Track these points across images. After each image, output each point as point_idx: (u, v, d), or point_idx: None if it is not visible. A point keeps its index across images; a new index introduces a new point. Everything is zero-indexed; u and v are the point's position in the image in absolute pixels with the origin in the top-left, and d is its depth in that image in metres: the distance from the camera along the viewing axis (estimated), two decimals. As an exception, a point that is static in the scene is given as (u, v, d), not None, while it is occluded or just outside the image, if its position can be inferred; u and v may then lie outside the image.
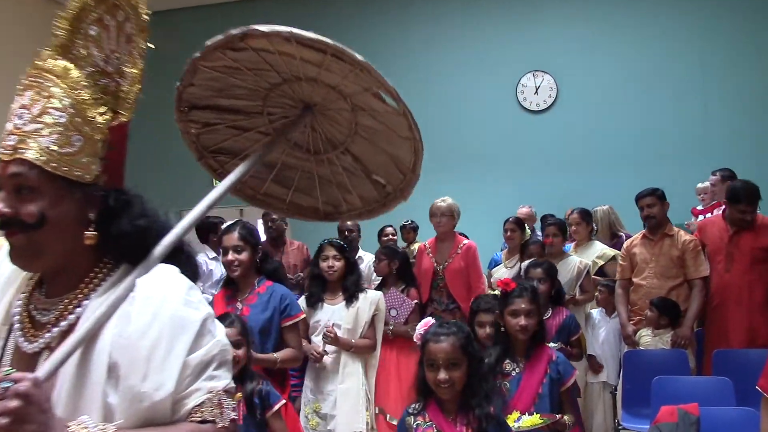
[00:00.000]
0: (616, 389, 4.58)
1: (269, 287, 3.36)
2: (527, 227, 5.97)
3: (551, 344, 3.40)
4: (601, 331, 4.89)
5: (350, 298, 4.03)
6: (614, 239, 5.78)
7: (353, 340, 3.95)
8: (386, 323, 4.32)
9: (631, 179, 6.58)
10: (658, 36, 7.60)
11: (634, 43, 7.67)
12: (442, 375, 2.46)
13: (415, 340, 2.79)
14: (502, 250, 6.13)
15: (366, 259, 5.78)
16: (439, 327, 2.65)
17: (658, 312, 4.45)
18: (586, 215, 5.52)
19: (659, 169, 7.04)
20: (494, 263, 5.94)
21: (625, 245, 4.97)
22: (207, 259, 5.86)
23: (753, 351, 4.11)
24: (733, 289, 4.48)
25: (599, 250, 5.42)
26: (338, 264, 4.05)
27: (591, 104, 7.73)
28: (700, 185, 6.25)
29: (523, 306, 3.12)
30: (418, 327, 2.84)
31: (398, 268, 4.74)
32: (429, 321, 2.80)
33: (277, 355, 3.27)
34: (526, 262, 4.81)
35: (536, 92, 7.90)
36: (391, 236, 6.39)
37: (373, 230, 6.39)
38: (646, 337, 4.52)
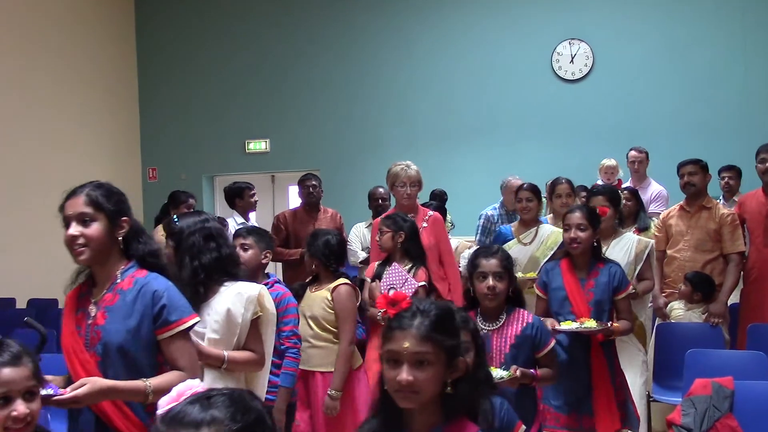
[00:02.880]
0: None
1: (138, 280, 2.18)
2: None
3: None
4: None
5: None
6: None
7: (225, 353, 2.60)
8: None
9: (669, 150, 6.47)
10: (697, 2, 7.38)
11: (672, 10, 7.46)
12: (404, 375, 1.62)
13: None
14: (497, 221, 5.58)
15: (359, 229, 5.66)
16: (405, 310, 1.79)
17: (692, 287, 4.39)
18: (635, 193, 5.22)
19: (697, 141, 6.90)
20: (502, 238, 4.60)
21: (661, 216, 4.90)
22: (236, 225, 5.90)
23: (789, 326, 4.05)
24: (771, 263, 4.40)
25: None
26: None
27: (628, 73, 7.56)
28: (606, 162, 6.39)
29: (492, 268, 2.81)
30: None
31: (404, 242, 3.93)
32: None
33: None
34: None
35: (572, 61, 7.76)
36: (381, 201, 5.70)
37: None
38: (678, 310, 4.47)
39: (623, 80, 7.56)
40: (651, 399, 4.13)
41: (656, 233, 4.80)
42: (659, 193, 6.10)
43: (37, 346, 2.78)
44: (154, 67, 9.04)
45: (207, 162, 8.88)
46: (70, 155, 7.75)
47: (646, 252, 4.01)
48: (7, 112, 6.99)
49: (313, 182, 5.69)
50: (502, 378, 2.65)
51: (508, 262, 2.87)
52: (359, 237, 5.62)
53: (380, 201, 5.68)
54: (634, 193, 5.15)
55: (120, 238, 2.19)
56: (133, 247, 2.23)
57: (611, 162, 6.41)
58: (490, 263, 2.82)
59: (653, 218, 5.20)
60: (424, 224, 4.28)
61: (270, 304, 2.76)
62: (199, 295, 2.61)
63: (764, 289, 4.42)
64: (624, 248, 4.02)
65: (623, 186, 5.87)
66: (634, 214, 5.02)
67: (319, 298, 3.58)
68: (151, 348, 2.16)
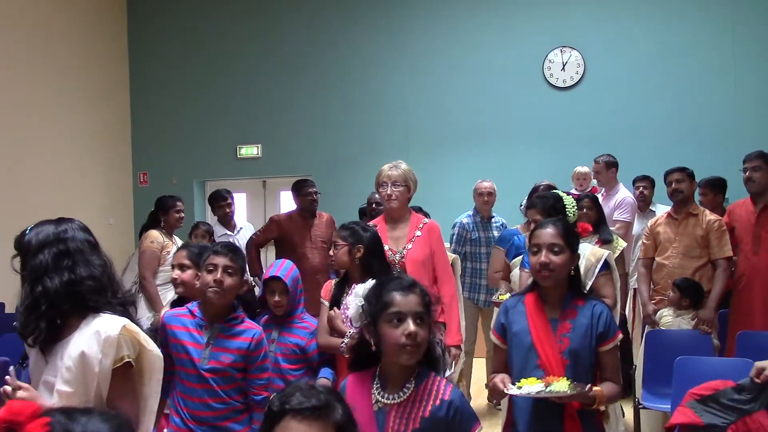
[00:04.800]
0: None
1: None
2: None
3: None
4: None
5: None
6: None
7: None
8: (342, 335, 3.07)
9: (658, 159, 6.50)
10: (688, 11, 7.43)
11: (663, 19, 7.51)
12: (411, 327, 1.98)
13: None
14: (472, 228, 5.64)
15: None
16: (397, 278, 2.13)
17: (680, 293, 4.41)
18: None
19: (687, 149, 6.94)
20: (515, 250, 4.54)
21: (649, 224, 4.93)
22: (217, 236, 5.95)
23: (777, 333, 4.07)
24: (759, 271, 4.45)
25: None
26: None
27: (619, 81, 7.60)
28: (578, 169, 6.33)
29: (411, 307, 2.03)
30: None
31: (364, 257, 3.25)
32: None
33: None
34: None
35: (563, 68, 7.79)
36: (375, 205, 5.44)
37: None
38: (667, 317, 4.48)
39: (614, 88, 7.60)
40: (640, 406, 4.14)
41: (644, 240, 4.84)
42: (623, 200, 5.81)
43: (24, 354, 2.76)
44: (146, 71, 9.02)
45: (198, 167, 8.87)
46: (60, 160, 7.72)
47: (598, 266, 3.39)
48: (-3, 116, 6.97)
49: (314, 189, 5.67)
50: None
51: (428, 299, 2.10)
52: None
53: (374, 206, 5.49)
54: (594, 201, 4.77)
55: None
56: None
57: (583, 169, 6.33)
58: (409, 300, 2.04)
59: (617, 229, 5.16)
60: (418, 233, 3.74)
61: (150, 344, 2.07)
62: (40, 332, 1.99)
63: (753, 296, 4.46)
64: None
65: (583, 194, 5.41)
66: (593, 223, 4.59)
67: None
68: None
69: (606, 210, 5.73)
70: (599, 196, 5.84)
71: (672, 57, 7.44)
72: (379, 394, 2.05)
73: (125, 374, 2.00)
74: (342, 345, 3.02)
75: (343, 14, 8.45)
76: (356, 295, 2.58)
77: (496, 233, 5.64)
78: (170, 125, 8.91)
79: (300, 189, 5.65)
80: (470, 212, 5.77)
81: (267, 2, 8.68)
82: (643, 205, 5.95)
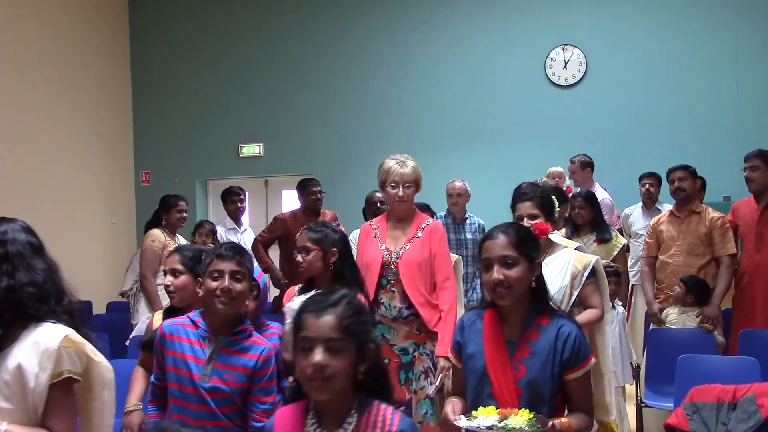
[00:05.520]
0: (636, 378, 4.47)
1: None
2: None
3: None
4: (613, 326, 4.14)
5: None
6: None
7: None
8: None
9: (660, 157, 6.49)
10: (691, 8, 7.42)
11: (665, 18, 7.50)
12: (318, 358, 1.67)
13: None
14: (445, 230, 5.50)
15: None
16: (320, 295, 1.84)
17: (685, 290, 4.42)
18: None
19: (689, 147, 6.92)
20: None
21: (651, 222, 4.93)
22: (225, 230, 6.00)
23: (780, 331, 4.07)
24: (761, 269, 4.45)
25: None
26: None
27: (621, 79, 7.59)
28: (552, 169, 6.24)
29: (323, 332, 1.72)
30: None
31: (338, 262, 2.99)
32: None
33: None
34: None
35: (565, 66, 7.78)
36: (379, 204, 5.33)
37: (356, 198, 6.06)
38: (673, 315, 4.49)
39: (616, 86, 7.59)
40: (643, 404, 4.14)
41: (647, 239, 4.84)
42: (601, 202, 5.39)
43: None
44: (148, 71, 9.02)
45: (200, 166, 8.87)
46: (63, 159, 7.72)
47: (585, 273, 3.01)
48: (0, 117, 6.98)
49: (319, 188, 5.69)
50: None
51: (351, 321, 1.73)
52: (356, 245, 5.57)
53: (379, 205, 5.39)
54: (587, 200, 4.75)
55: None
56: None
57: (557, 169, 6.22)
58: (320, 324, 1.71)
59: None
60: (419, 233, 3.49)
61: (98, 356, 1.88)
62: None
63: (755, 294, 4.46)
64: (558, 268, 3.04)
65: (574, 192, 5.42)
66: (589, 222, 4.67)
67: None
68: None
69: None
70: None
71: (674, 55, 7.43)
72: (313, 429, 1.75)
73: (65, 390, 1.80)
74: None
75: (345, 14, 8.45)
76: (289, 312, 2.35)
77: (469, 235, 5.49)
78: (172, 124, 8.91)
79: (304, 188, 5.69)
80: (443, 213, 5.62)
81: (269, 2, 8.68)
82: (649, 202, 5.83)
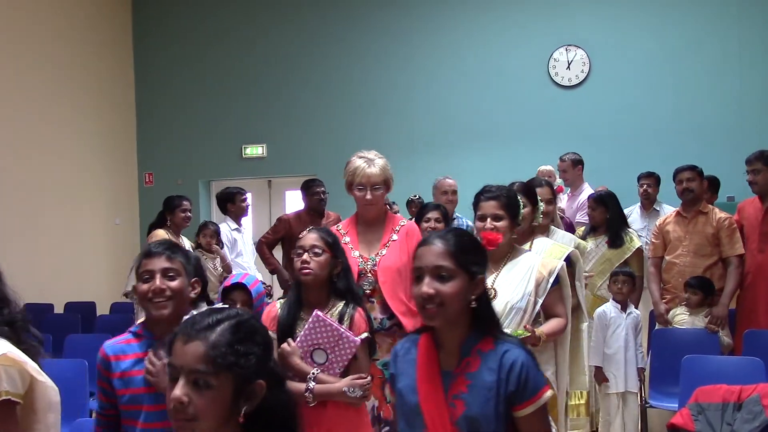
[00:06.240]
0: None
1: None
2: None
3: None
4: (619, 329, 4.14)
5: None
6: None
7: None
8: (303, 376, 2.43)
9: (664, 157, 6.47)
10: (693, 10, 7.42)
11: (668, 18, 7.50)
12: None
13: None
14: None
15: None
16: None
17: (692, 292, 4.39)
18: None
19: (692, 148, 6.91)
20: None
21: (657, 223, 4.91)
22: (229, 230, 5.97)
23: (785, 332, 4.06)
24: (764, 269, 4.44)
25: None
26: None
27: (624, 79, 7.59)
28: (542, 168, 6.12)
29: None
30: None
31: (341, 274, 2.65)
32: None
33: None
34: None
35: (568, 67, 7.78)
36: (388, 206, 5.46)
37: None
38: (681, 316, 4.46)
39: (620, 86, 7.59)
40: (647, 405, 4.13)
41: (653, 240, 4.82)
42: (586, 201, 5.32)
43: None
44: (151, 72, 9.04)
45: (203, 167, 8.88)
46: (66, 160, 7.74)
47: (551, 280, 2.73)
48: (2, 118, 6.98)
49: (323, 188, 5.69)
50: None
51: (227, 351, 1.45)
52: None
53: (388, 207, 5.40)
54: (599, 201, 4.77)
55: None
56: None
57: (546, 168, 6.10)
58: (187, 352, 1.44)
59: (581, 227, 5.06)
60: (394, 236, 3.18)
61: (42, 375, 1.73)
62: None
63: (758, 294, 4.45)
64: (521, 274, 2.75)
65: (589, 195, 5.34)
66: (604, 224, 4.69)
67: None
68: None
69: (569, 211, 5.69)
70: (565, 196, 5.77)
71: (677, 55, 7.43)
72: None
73: (6, 413, 1.63)
74: (307, 392, 2.39)
75: (348, 15, 8.45)
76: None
77: None
78: (175, 125, 8.93)
79: (308, 188, 5.69)
80: (460, 215, 5.22)
81: (272, 3, 8.69)
82: (647, 203, 5.71)
